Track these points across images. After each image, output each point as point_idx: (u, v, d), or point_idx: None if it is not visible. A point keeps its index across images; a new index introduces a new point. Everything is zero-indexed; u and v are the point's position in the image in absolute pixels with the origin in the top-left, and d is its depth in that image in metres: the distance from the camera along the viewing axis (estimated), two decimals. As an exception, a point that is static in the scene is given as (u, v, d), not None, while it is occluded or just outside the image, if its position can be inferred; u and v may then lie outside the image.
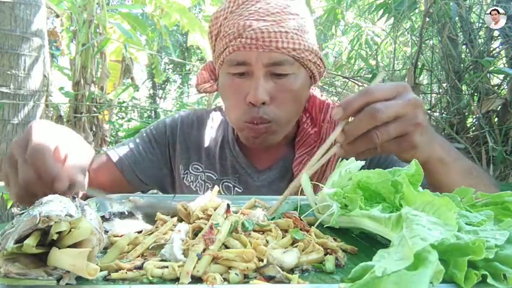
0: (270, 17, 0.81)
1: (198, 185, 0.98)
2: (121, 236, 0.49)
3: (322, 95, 0.97)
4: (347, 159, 0.62)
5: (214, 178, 0.97)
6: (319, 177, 0.89)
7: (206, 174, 0.98)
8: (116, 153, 0.97)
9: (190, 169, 0.98)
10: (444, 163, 0.67)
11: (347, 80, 2.86)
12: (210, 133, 1.02)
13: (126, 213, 0.63)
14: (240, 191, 0.94)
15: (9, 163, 0.59)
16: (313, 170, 0.64)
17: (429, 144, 0.65)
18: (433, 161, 0.66)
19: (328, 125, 0.92)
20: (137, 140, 1.01)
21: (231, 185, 0.94)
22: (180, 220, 0.56)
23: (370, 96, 0.60)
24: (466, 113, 2.39)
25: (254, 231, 0.48)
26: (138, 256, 0.44)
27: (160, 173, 1.00)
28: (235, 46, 0.81)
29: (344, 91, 3.16)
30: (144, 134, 1.02)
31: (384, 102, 0.59)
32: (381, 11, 2.82)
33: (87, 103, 3.52)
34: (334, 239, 0.50)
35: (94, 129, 3.68)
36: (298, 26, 0.82)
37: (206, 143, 1.00)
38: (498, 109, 2.18)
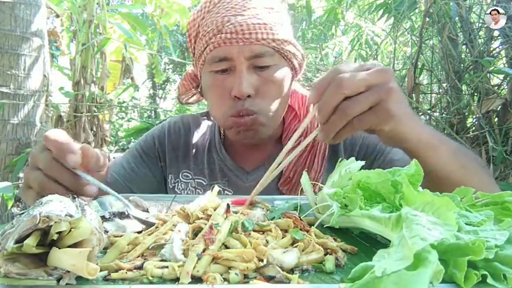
0: (247, 11, 0.82)
1: (189, 192, 0.97)
2: (121, 236, 0.49)
3: (303, 89, 0.98)
4: (332, 144, 0.60)
5: (204, 184, 0.96)
6: (309, 166, 0.90)
7: (196, 180, 0.97)
8: (112, 177, 0.96)
9: (180, 177, 0.98)
10: (433, 146, 0.65)
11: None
12: (197, 138, 1.01)
13: (126, 213, 0.63)
14: (231, 193, 0.94)
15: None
16: (291, 156, 0.64)
17: (409, 119, 0.63)
18: (418, 144, 0.64)
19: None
20: (128, 157, 1.01)
21: (221, 189, 0.94)
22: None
23: (337, 71, 0.59)
24: (466, 113, 2.39)
25: (254, 231, 0.48)
26: (138, 256, 0.44)
27: (155, 184, 1.01)
28: (215, 43, 0.82)
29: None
30: (135, 150, 1.03)
31: (350, 72, 0.58)
32: (381, 11, 2.82)
33: (88, 103, 3.52)
34: (334, 239, 0.50)
35: (94, 129, 3.68)
36: (274, 18, 0.84)
37: (194, 149, 1.00)
38: (498, 109, 2.18)
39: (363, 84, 0.57)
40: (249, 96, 0.82)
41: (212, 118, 1.03)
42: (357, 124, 0.59)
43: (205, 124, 1.04)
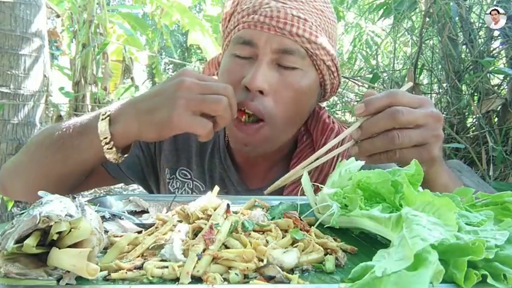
0: (292, 2, 0.74)
1: (183, 192, 0.90)
2: (121, 236, 0.49)
3: (329, 117, 0.88)
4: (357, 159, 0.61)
5: (202, 189, 0.89)
6: (318, 175, 0.85)
7: (194, 183, 0.90)
8: None
9: (177, 174, 0.91)
10: (448, 191, 0.66)
11: (347, 80, 2.86)
12: None
13: (127, 212, 0.63)
14: None
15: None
16: (317, 163, 0.64)
17: (441, 165, 0.65)
18: (438, 186, 0.65)
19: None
20: None
21: None
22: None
23: (394, 99, 0.60)
24: (466, 113, 2.39)
25: (254, 231, 0.48)
26: (138, 256, 0.44)
27: (146, 169, 0.93)
28: (246, 23, 0.74)
29: (344, 91, 3.15)
30: None
31: (407, 107, 0.59)
32: (381, 11, 2.82)
33: (89, 103, 3.53)
34: (334, 239, 0.50)
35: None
36: (319, 22, 0.75)
37: (196, 148, 0.91)
38: (498, 109, 2.18)
39: (416, 122, 0.59)
40: (261, 92, 0.72)
41: None
42: (399, 156, 0.60)
43: None
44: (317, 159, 0.65)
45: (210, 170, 0.90)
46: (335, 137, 0.85)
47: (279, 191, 0.83)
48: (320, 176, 0.83)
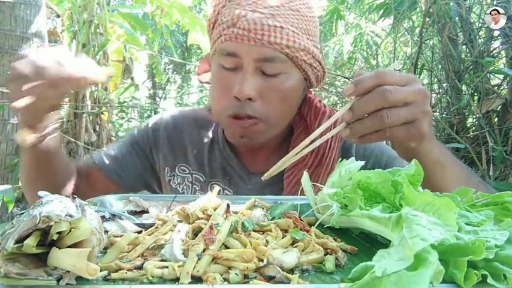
0: (268, 9, 0.78)
1: (185, 186, 0.95)
2: (121, 236, 0.49)
3: (320, 101, 0.93)
4: (350, 142, 0.61)
5: (202, 180, 0.94)
6: (314, 158, 0.87)
7: (194, 175, 0.95)
8: (101, 158, 0.97)
9: (176, 171, 0.96)
10: (441, 165, 0.68)
11: (347, 80, 2.86)
12: (198, 134, 0.99)
13: (127, 212, 0.63)
14: (230, 193, 0.92)
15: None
16: (311, 147, 0.64)
17: (432, 140, 0.67)
18: (430, 162, 0.67)
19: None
20: (121, 144, 1.01)
21: (221, 187, 0.90)
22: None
23: (382, 79, 0.61)
24: (466, 113, 2.39)
25: (254, 231, 0.48)
26: (138, 256, 0.45)
27: (145, 174, 1.00)
28: (227, 36, 0.79)
29: (344, 91, 3.15)
30: (128, 137, 1.02)
31: (395, 86, 0.60)
32: (381, 11, 2.82)
33: (89, 103, 3.52)
34: (334, 239, 0.50)
35: (97, 129, 3.66)
36: (297, 23, 0.79)
37: (194, 144, 0.97)
38: (498, 109, 2.18)
39: (404, 100, 0.61)
40: (250, 99, 0.79)
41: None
42: (389, 134, 0.62)
43: (207, 119, 1.00)
44: (311, 143, 0.65)
45: (210, 161, 0.95)
46: (327, 120, 0.89)
47: (278, 188, 0.87)
48: (316, 159, 0.88)
